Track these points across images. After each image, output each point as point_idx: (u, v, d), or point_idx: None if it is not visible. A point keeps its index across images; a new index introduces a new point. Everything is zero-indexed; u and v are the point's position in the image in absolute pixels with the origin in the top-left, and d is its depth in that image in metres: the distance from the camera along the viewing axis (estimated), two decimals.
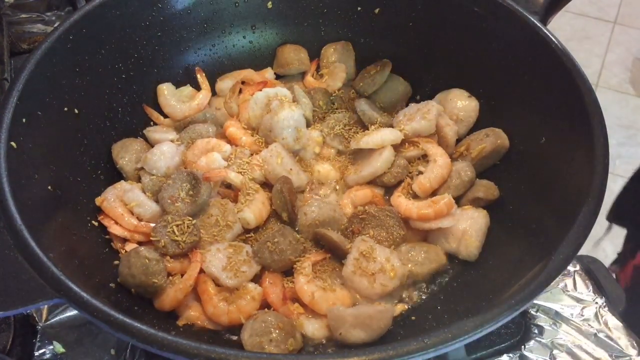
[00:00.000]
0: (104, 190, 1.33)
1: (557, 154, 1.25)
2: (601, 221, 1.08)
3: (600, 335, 1.31)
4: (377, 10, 1.62)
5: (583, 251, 1.05)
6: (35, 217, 1.05)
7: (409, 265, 1.27)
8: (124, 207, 1.30)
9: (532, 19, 1.34)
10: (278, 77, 1.70)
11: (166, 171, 1.38)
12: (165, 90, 1.56)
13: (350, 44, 1.69)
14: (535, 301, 1.20)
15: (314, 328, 1.18)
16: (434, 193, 1.39)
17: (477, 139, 1.42)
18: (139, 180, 1.40)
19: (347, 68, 1.66)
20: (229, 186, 1.40)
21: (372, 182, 1.44)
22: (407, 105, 1.57)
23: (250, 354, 0.90)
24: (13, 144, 1.08)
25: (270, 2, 1.64)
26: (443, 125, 1.45)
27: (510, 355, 1.29)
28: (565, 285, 1.40)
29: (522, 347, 1.30)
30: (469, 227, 1.29)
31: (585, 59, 4.12)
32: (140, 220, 1.30)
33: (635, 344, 1.30)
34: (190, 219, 1.27)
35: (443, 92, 1.53)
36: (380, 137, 1.40)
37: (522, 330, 1.32)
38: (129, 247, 1.26)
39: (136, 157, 1.40)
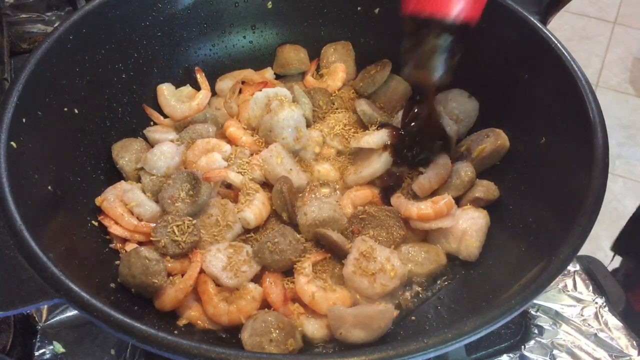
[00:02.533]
0: (104, 190, 1.33)
1: (557, 154, 1.25)
2: (601, 221, 1.07)
3: (600, 335, 1.32)
4: (377, 10, 1.62)
5: (583, 251, 1.05)
6: (35, 217, 1.05)
7: (409, 265, 1.27)
8: (124, 207, 1.30)
9: (532, 19, 1.34)
10: (278, 77, 1.70)
11: (166, 171, 1.38)
12: (165, 91, 1.56)
13: (350, 44, 1.69)
14: (535, 301, 1.20)
15: (314, 328, 1.18)
16: (434, 193, 1.39)
17: (478, 139, 1.42)
18: (139, 180, 1.40)
19: (347, 68, 1.66)
20: (229, 186, 1.40)
21: (372, 182, 1.44)
22: None
23: (250, 354, 0.90)
24: (13, 144, 1.08)
25: (270, 2, 1.64)
26: (443, 126, 1.45)
27: (510, 355, 1.29)
28: (565, 285, 1.40)
29: (522, 347, 1.30)
30: (469, 227, 1.29)
31: (585, 59, 4.12)
32: (140, 220, 1.30)
33: (635, 344, 1.30)
34: (191, 219, 1.27)
35: (443, 92, 1.53)
36: (381, 137, 1.40)
37: (522, 330, 1.32)
38: (129, 247, 1.26)
39: (136, 157, 1.40)
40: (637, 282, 1.66)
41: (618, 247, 1.81)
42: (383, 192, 1.44)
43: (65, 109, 1.28)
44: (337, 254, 1.29)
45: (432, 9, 1.10)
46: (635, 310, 1.36)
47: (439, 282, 1.30)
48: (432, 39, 1.14)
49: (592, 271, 1.42)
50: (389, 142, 1.41)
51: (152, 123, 1.56)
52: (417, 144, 1.38)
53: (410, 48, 1.20)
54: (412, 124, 1.38)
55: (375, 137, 1.41)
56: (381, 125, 1.47)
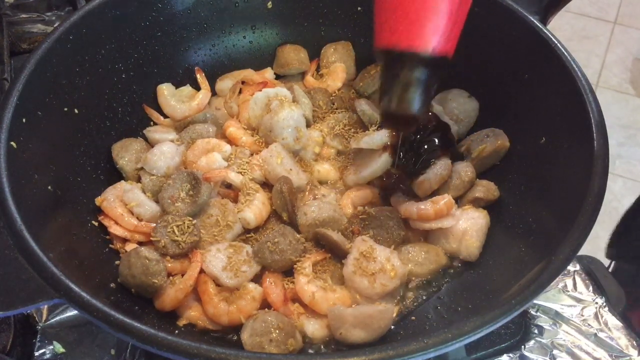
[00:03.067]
0: (104, 190, 1.33)
1: (557, 154, 1.25)
2: (601, 221, 1.07)
3: (600, 335, 1.32)
4: None
5: (583, 251, 1.05)
6: (35, 217, 1.05)
7: (409, 266, 1.27)
8: (124, 207, 1.30)
9: (532, 19, 1.34)
10: (278, 77, 1.70)
11: (166, 171, 1.38)
12: (165, 91, 1.56)
13: (350, 44, 1.69)
14: (535, 301, 1.20)
15: (314, 328, 1.18)
16: (434, 193, 1.39)
17: (478, 139, 1.42)
18: (139, 180, 1.40)
19: (347, 68, 1.66)
20: (229, 186, 1.40)
21: (371, 182, 1.44)
22: None
23: (250, 354, 0.90)
24: (13, 144, 1.08)
25: (270, 2, 1.64)
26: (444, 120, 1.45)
27: (510, 355, 1.29)
28: (565, 285, 1.40)
29: (522, 347, 1.30)
30: (469, 228, 1.29)
31: (585, 59, 4.11)
32: (140, 220, 1.30)
33: (635, 344, 1.30)
34: (191, 219, 1.27)
35: (443, 92, 1.53)
36: (380, 137, 1.40)
37: (522, 330, 1.32)
38: (129, 247, 1.26)
39: (136, 157, 1.40)
40: (635, 300, 1.64)
41: (612, 253, 1.79)
42: (383, 192, 1.44)
43: (65, 109, 1.28)
44: (337, 254, 1.29)
45: (407, 43, 1.05)
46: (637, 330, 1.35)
47: (439, 282, 1.30)
48: (407, 73, 1.09)
49: (592, 271, 1.42)
50: (388, 142, 1.40)
51: (152, 123, 1.56)
52: (418, 143, 1.37)
53: (385, 82, 1.14)
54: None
55: (375, 138, 1.40)
56: (381, 126, 1.47)
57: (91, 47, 1.35)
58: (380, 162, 1.40)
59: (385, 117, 1.22)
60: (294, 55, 1.66)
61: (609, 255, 1.78)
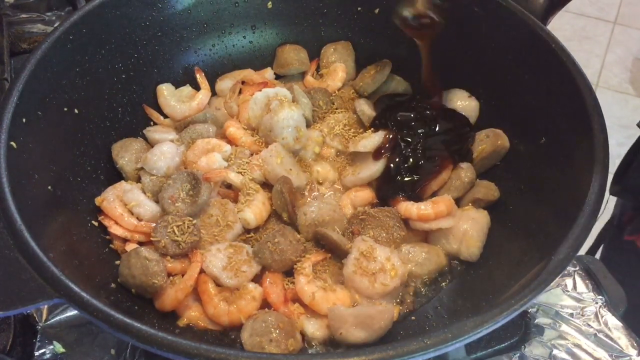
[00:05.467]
0: (104, 190, 1.33)
1: (557, 154, 1.25)
2: (602, 221, 1.08)
3: (600, 335, 1.31)
4: (377, 10, 1.62)
5: (583, 251, 1.05)
6: (35, 217, 1.05)
7: (410, 266, 1.27)
8: (124, 207, 1.30)
9: (532, 19, 1.34)
10: (278, 77, 1.70)
11: (166, 171, 1.38)
12: (165, 91, 1.56)
13: (350, 44, 1.69)
14: (535, 301, 1.20)
15: (314, 328, 1.18)
16: (434, 194, 1.39)
17: (478, 139, 1.42)
18: (139, 180, 1.40)
19: (347, 68, 1.66)
20: (229, 186, 1.40)
21: (370, 183, 1.44)
22: None
23: (250, 354, 0.90)
24: (13, 144, 1.08)
25: (270, 2, 1.64)
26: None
27: (510, 355, 1.29)
28: (565, 285, 1.40)
29: (522, 347, 1.30)
30: (470, 228, 1.29)
31: (585, 59, 4.12)
32: (140, 220, 1.30)
33: (635, 344, 1.30)
34: (191, 219, 1.27)
35: (443, 92, 1.53)
36: (378, 139, 1.40)
37: (522, 330, 1.32)
38: (130, 247, 1.26)
39: (136, 157, 1.40)
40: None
41: (616, 189, 1.78)
42: (382, 192, 1.44)
43: (65, 109, 1.28)
44: (338, 254, 1.29)
45: None
46: None
47: (439, 282, 1.30)
48: None
49: (592, 271, 1.42)
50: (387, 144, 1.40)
51: (152, 123, 1.56)
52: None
53: None
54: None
55: (373, 140, 1.40)
56: (374, 125, 1.47)
57: (91, 47, 1.35)
58: (379, 164, 1.40)
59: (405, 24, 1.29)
60: (294, 55, 1.66)
61: (612, 191, 1.78)
